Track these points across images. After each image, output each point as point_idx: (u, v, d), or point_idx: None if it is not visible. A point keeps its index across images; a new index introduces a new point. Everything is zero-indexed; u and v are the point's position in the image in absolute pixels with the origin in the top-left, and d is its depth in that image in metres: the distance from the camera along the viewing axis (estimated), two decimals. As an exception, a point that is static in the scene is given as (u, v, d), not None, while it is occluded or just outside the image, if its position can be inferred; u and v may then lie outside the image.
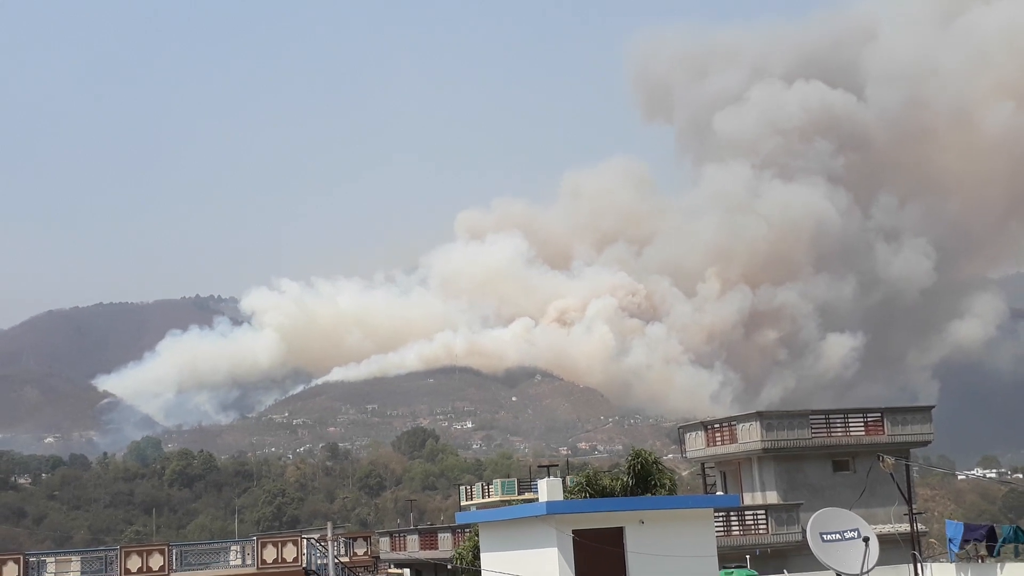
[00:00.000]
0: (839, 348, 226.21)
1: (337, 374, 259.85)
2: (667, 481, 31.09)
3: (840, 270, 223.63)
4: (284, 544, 37.68)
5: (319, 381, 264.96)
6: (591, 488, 28.78)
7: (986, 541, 31.66)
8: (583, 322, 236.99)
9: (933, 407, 46.94)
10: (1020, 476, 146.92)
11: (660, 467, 32.09)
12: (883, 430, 44.08)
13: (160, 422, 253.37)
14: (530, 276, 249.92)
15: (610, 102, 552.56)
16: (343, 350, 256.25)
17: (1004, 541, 31.31)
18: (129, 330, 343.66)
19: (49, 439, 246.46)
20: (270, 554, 37.01)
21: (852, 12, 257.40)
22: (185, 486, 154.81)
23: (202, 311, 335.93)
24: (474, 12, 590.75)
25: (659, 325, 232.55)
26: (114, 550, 37.04)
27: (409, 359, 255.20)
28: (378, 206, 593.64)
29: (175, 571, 36.33)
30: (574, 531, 21.66)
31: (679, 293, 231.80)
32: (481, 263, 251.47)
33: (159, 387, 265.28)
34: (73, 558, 37.41)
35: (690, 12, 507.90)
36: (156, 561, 35.91)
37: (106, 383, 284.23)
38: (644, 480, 30.18)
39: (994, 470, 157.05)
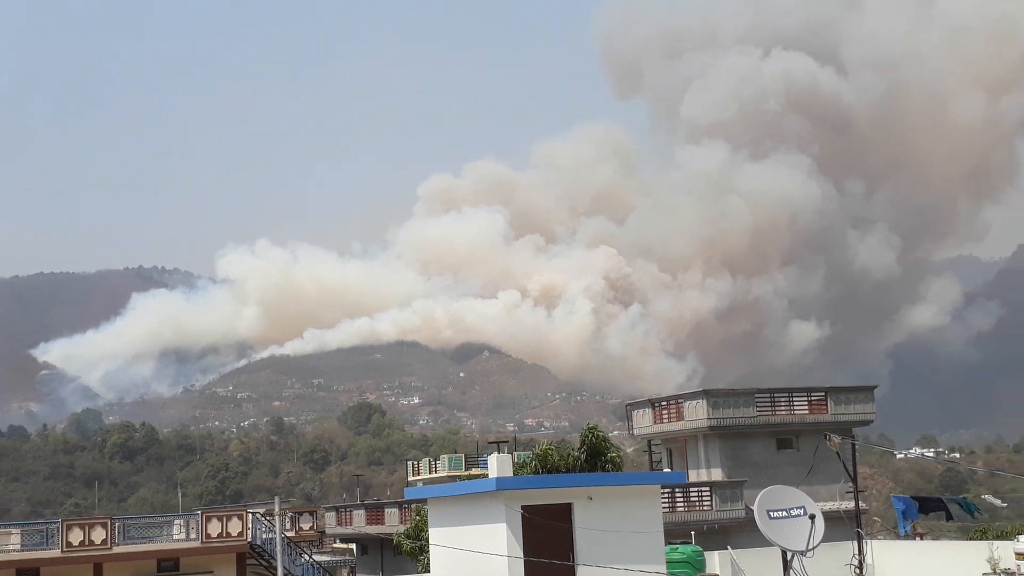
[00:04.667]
0: (803, 337, 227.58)
1: (283, 348, 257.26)
2: (617, 458, 31.34)
3: (811, 259, 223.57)
4: (229, 518, 37.33)
5: (264, 354, 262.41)
6: (544, 463, 28.88)
7: (941, 512, 32.33)
8: (565, 302, 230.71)
9: (875, 387, 47.64)
10: (957, 455, 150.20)
11: (610, 444, 32.35)
12: (827, 409, 44.67)
13: (101, 394, 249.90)
14: (507, 251, 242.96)
15: (582, 78, 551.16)
16: (290, 323, 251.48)
17: (964, 511, 31.95)
18: (71, 300, 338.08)
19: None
20: (215, 528, 36.66)
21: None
22: (126, 459, 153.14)
23: (145, 281, 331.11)
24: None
25: (637, 310, 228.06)
26: (55, 523, 36.47)
27: (357, 333, 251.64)
28: (341, 176, 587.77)
29: (118, 544, 35.86)
30: (523, 507, 21.71)
31: (659, 278, 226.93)
32: (450, 235, 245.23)
33: (101, 358, 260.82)
34: (13, 531, 36.79)
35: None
36: (98, 534, 35.42)
37: (46, 353, 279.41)
38: (596, 457, 30.38)
39: (932, 449, 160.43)
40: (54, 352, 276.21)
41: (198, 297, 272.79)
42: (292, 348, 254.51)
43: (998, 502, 34.42)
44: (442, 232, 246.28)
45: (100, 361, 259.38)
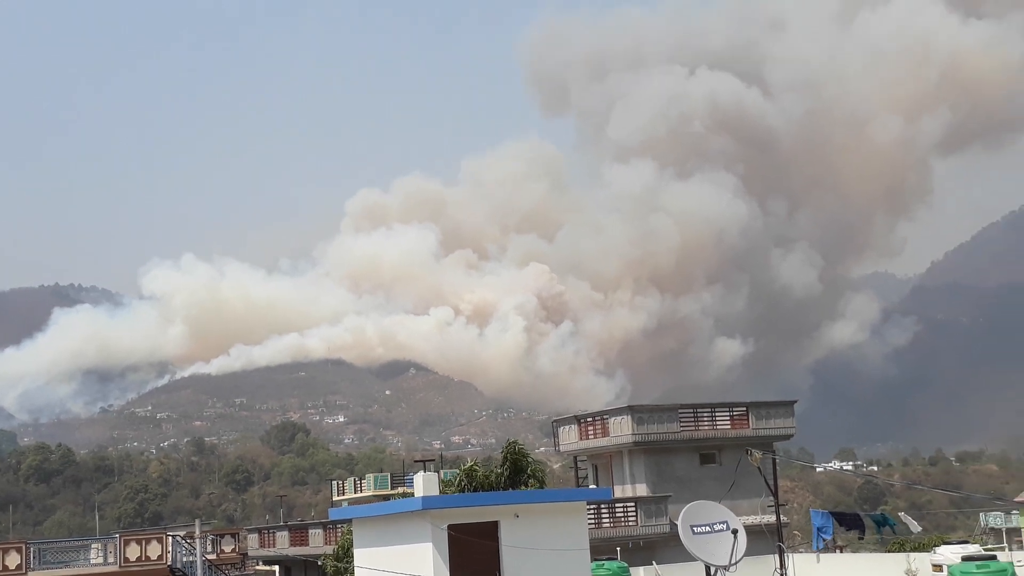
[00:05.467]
0: (728, 354, 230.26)
1: (203, 367, 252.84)
2: (539, 473, 31.42)
3: (736, 277, 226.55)
4: (148, 541, 36.63)
5: (184, 374, 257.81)
6: (471, 481, 28.84)
7: (857, 530, 32.90)
8: (497, 320, 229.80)
9: (795, 402, 48.36)
10: (875, 468, 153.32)
11: (530, 460, 32.42)
12: (748, 424, 45.25)
13: (15, 415, 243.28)
14: (438, 268, 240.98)
15: (509, 94, 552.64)
16: (217, 341, 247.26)
17: (880, 526, 32.52)
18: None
19: None
20: (133, 552, 35.94)
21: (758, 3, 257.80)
22: (42, 481, 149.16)
23: (62, 299, 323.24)
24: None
25: (567, 328, 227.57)
26: (-34, 549, 35.43)
27: (286, 350, 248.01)
28: (265, 189, 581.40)
29: (33, 570, 34.96)
30: (449, 526, 21.61)
31: (591, 297, 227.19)
32: (380, 251, 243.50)
33: (14, 379, 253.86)
34: (-79, 558, 35.60)
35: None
36: (13, 559, 34.48)
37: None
38: (518, 473, 30.42)
39: (850, 462, 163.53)
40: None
41: (122, 314, 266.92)
42: (219, 365, 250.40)
43: (916, 526, 34.99)
44: (372, 248, 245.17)
45: (15, 381, 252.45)
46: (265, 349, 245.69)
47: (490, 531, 22.07)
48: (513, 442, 32.47)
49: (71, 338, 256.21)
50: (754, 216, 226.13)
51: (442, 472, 48.02)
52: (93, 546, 37.44)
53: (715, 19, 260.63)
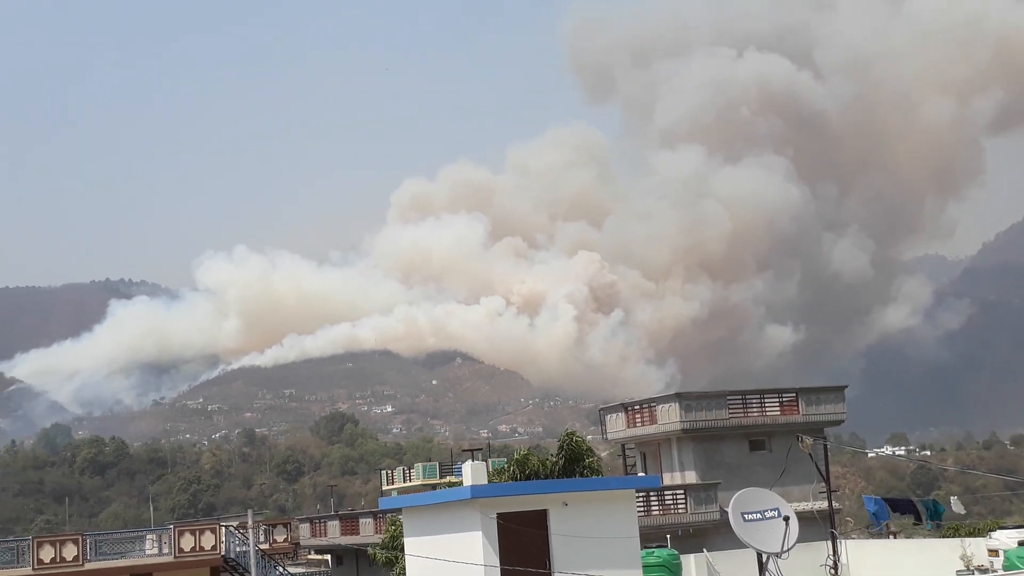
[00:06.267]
0: (779, 341, 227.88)
1: (254, 359, 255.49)
2: (595, 463, 31.31)
3: (787, 263, 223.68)
4: (202, 532, 37.04)
5: (235, 366, 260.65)
6: (522, 469, 28.78)
7: (911, 515, 32.51)
8: (548, 309, 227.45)
9: (846, 387, 47.87)
10: (928, 453, 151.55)
11: (589, 449, 32.30)
12: (798, 410, 44.87)
13: (70, 409, 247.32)
14: (487, 257, 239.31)
15: (553, 81, 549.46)
16: (264, 333, 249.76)
17: (930, 514, 32.19)
18: (37, 314, 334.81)
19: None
20: (187, 542, 36.36)
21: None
22: (97, 474, 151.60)
23: (111, 294, 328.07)
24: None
25: (618, 318, 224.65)
26: (26, 540, 36.07)
27: (338, 341, 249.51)
28: (311, 180, 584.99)
29: (89, 561, 35.48)
30: (498, 514, 21.65)
31: (642, 286, 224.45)
32: (429, 241, 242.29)
33: (68, 373, 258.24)
34: (-18, 549, 36.33)
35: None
36: (70, 551, 35.04)
37: (13, 369, 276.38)
38: (573, 462, 30.32)
39: (903, 447, 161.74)
40: (21, 367, 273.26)
41: (178, 306, 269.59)
42: (262, 359, 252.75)
43: (959, 507, 34.67)
44: (421, 239, 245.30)
45: (69, 375, 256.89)
46: (317, 339, 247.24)
47: (539, 519, 22.09)
48: (571, 432, 32.28)
49: (128, 331, 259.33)
50: (805, 200, 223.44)
51: (490, 461, 48.11)
52: (148, 537, 37.94)
53: (761, 1, 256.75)
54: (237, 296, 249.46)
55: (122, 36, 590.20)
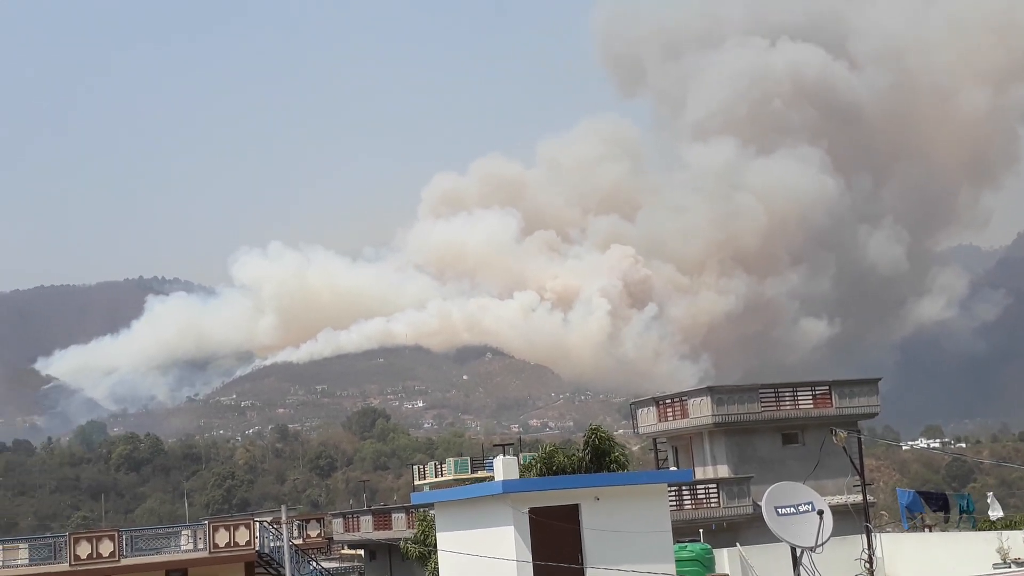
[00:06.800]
0: (814, 335, 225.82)
1: (287, 354, 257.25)
2: (622, 459, 31.17)
3: (822, 256, 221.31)
4: (236, 527, 37.29)
5: (267, 362, 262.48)
6: (549, 465, 28.73)
7: (943, 511, 32.19)
8: (581, 303, 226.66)
9: (879, 379, 47.42)
10: (963, 445, 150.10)
11: (615, 443, 32.15)
12: (831, 403, 44.55)
13: (105, 406, 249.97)
14: (520, 251, 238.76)
15: (583, 73, 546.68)
16: (301, 329, 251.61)
17: (961, 511, 31.87)
18: (72, 313, 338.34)
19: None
20: (222, 538, 36.63)
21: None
22: (132, 470, 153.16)
23: (145, 292, 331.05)
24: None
25: (651, 312, 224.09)
26: (63, 536, 36.47)
27: (352, 339, 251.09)
28: (344, 179, 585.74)
29: (126, 557, 35.83)
30: (530, 509, 21.63)
31: (676, 280, 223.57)
32: (462, 236, 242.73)
33: (103, 370, 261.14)
34: (20, 546, 36.78)
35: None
36: (106, 547, 35.39)
37: (49, 367, 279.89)
38: (601, 457, 30.23)
39: (937, 440, 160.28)
40: (57, 365, 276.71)
41: (215, 303, 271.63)
42: (294, 355, 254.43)
43: (998, 509, 34.22)
44: (454, 234, 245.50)
45: (104, 373, 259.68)
46: (352, 334, 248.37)
47: (571, 514, 22.05)
48: (596, 427, 32.15)
49: (166, 328, 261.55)
50: (840, 192, 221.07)
51: (521, 456, 48.12)
52: (183, 533, 38.26)
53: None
54: (273, 292, 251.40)
55: (155, 32, 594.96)
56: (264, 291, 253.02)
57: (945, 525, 31.98)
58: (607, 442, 30.96)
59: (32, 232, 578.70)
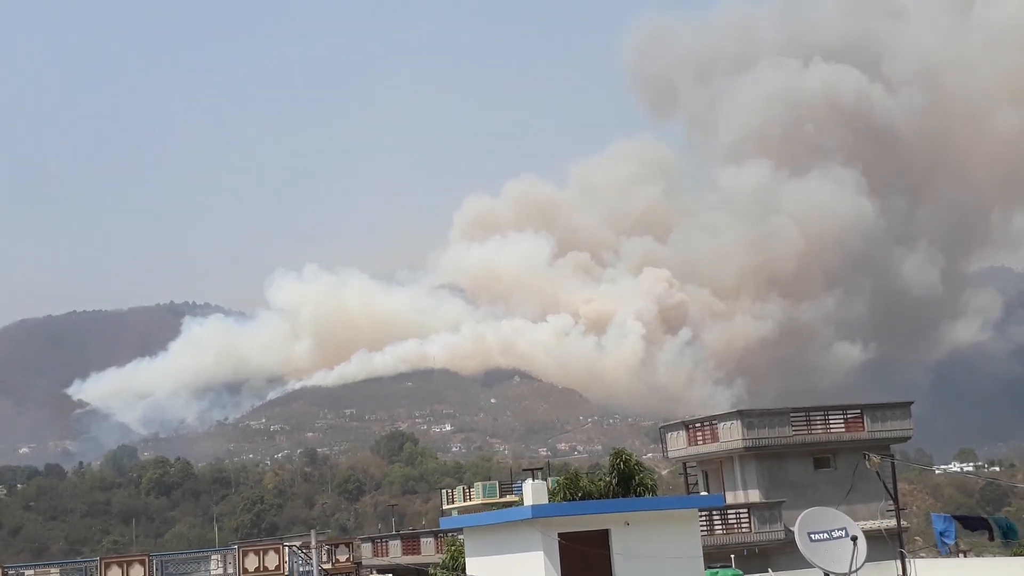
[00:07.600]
0: (848, 359, 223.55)
1: (314, 379, 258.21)
2: (649, 482, 30.86)
3: (857, 279, 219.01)
4: (266, 552, 37.37)
5: (296, 386, 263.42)
6: (572, 490, 28.46)
7: (984, 531, 31.71)
8: (615, 327, 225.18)
9: (911, 403, 46.99)
10: (996, 469, 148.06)
11: (642, 467, 31.83)
12: (863, 426, 44.18)
13: (136, 430, 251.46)
14: (553, 274, 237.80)
15: (614, 95, 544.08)
16: (337, 353, 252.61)
17: (1003, 532, 31.41)
18: (103, 338, 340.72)
19: (24, 449, 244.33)
20: (252, 562, 36.70)
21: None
22: (162, 494, 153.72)
23: (177, 317, 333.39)
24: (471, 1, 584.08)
25: (685, 336, 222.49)
26: (94, 561, 36.62)
27: (387, 362, 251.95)
28: (374, 202, 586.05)
29: (156, 581, 35.94)
30: (560, 534, 21.54)
31: (711, 304, 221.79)
32: (496, 259, 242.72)
33: (134, 395, 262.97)
34: (52, 570, 37.02)
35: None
36: (137, 572, 35.53)
37: (81, 392, 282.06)
38: (627, 480, 29.97)
39: (971, 463, 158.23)
40: (88, 390, 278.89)
41: (250, 326, 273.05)
42: (323, 379, 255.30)
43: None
44: (487, 256, 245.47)
45: (134, 398, 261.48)
46: (386, 356, 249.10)
47: (601, 539, 21.94)
48: (620, 450, 31.84)
49: (203, 352, 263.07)
50: (875, 214, 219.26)
51: (550, 480, 47.85)
52: (213, 557, 38.36)
53: (827, 11, 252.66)
54: (311, 315, 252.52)
55: (191, 54, 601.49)
56: (301, 314, 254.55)
57: (983, 548, 31.51)
58: (633, 466, 30.66)
59: (64, 258, 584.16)
